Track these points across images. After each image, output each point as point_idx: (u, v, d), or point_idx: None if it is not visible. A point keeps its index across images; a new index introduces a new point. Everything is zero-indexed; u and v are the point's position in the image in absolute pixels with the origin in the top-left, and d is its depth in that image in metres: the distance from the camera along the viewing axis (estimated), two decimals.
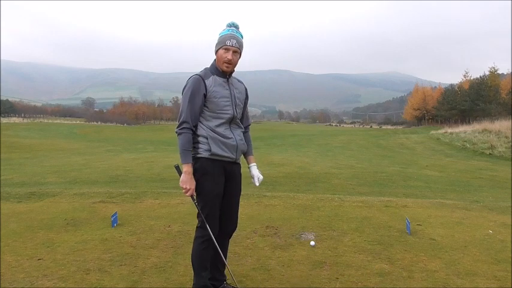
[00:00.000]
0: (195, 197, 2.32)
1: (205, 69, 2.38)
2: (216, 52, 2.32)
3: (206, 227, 2.28)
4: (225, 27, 2.36)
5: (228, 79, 2.36)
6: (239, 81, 2.49)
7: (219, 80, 2.32)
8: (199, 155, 2.27)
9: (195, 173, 2.25)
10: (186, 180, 2.21)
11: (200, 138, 2.28)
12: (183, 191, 2.24)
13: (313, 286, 2.66)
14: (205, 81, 2.27)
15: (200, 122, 2.29)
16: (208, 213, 2.31)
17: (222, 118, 2.30)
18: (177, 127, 2.24)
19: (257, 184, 2.51)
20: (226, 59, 2.27)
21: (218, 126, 2.30)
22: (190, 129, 2.24)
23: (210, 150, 2.25)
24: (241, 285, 2.63)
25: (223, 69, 2.31)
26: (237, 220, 2.56)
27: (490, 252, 3.30)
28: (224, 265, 2.51)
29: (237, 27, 2.34)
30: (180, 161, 2.26)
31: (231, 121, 2.34)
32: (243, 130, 2.49)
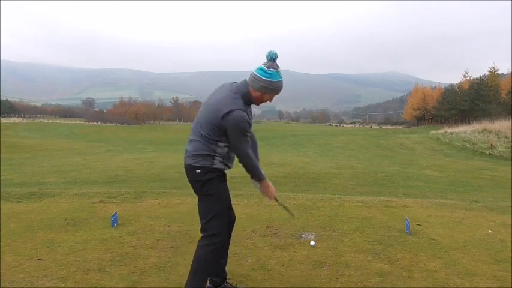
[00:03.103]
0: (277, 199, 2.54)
1: (240, 93, 2.29)
2: (262, 91, 2.29)
3: (222, 233, 2.38)
4: (273, 65, 2.28)
5: (249, 107, 2.40)
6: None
7: (248, 110, 2.35)
8: (215, 166, 2.33)
9: (215, 179, 2.35)
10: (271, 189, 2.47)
11: (218, 155, 2.33)
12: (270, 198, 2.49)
13: (313, 286, 2.66)
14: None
15: (218, 142, 2.31)
16: (223, 220, 2.39)
17: None
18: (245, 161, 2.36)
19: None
20: (267, 102, 2.41)
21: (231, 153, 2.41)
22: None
23: (228, 167, 2.41)
24: (241, 285, 2.63)
25: (254, 104, 2.38)
26: (234, 215, 2.64)
27: (490, 252, 3.30)
28: (226, 262, 2.58)
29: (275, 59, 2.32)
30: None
31: None
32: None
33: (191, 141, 2.38)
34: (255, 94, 2.31)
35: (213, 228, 2.34)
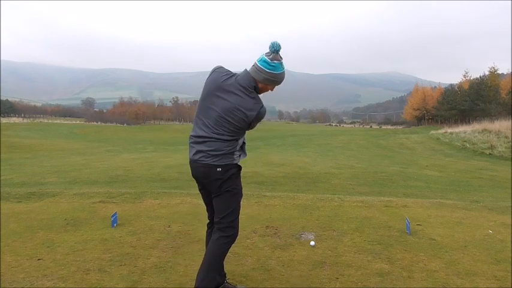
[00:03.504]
0: None
1: (254, 89, 2.33)
2: (265, 83, 2.33)
3: (237, 226, 2.45)
4: (276, 57, 2.27)
5: None
6: None
7: None
8: (235, 162, 2.39)
9: (234, 175, 2.40)
10: None
11: (237, 148, 2.40)
12: None
13: (313, 286, 2.66)
14: None
15: (239, 138, 2.39)
16: (239, 214, 2.48)
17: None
18: None
19: None
20: (268, 92, 2.43)
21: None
22: None
23: (244, 154, 2.49)
24: (241, 285, 2.63)
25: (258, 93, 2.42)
26: None
27: (490, 252, 3.30)
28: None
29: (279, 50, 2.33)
30: None
31: None
32: None
33: (204, 141, 2.34)
34: (259, 85, 2.34)
35: (229, 222, 2.41)
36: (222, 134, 2.31)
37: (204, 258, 2.39)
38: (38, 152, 20.87)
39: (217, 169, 2.33)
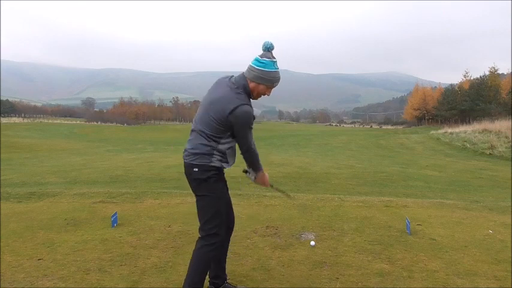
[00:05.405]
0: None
1: (241, 87, 2.27)
2: (257, 83, 2.28)
3: (220, 232, 2.34)
4: (267, 55, 2.26)
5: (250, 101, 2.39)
6: None
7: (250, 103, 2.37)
8: (213, 164, 2.29)
9: (213, 179, 2.31)
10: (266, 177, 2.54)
11: (217, 152, 2.29)
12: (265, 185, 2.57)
13: (313, 286, 2.66)
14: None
15: (220, 140, 2.28)
16: (222, 219, 2.37)
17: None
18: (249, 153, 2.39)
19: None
20: (265, 95, 2.37)
21: (232, 146, 2.37)
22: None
23: (227, 163, 2.35)
24: (241, 285, 2.63)
25: (252, 97, 2.35)
26: (233, 214, 2.64)
27: (490, 252, 3.30)
28: (225, 263, 2.57)
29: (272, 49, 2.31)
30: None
31: None
32: None
33: (190, 139, 2.37)
34: (251, 85, 2.29)
35: (211, 228, 2.31)
36: (204, 128, 2.29)
37: (189, 265, 2.33)
38: (38, 152, 20.87)
39: (194, 169, 2.30)
